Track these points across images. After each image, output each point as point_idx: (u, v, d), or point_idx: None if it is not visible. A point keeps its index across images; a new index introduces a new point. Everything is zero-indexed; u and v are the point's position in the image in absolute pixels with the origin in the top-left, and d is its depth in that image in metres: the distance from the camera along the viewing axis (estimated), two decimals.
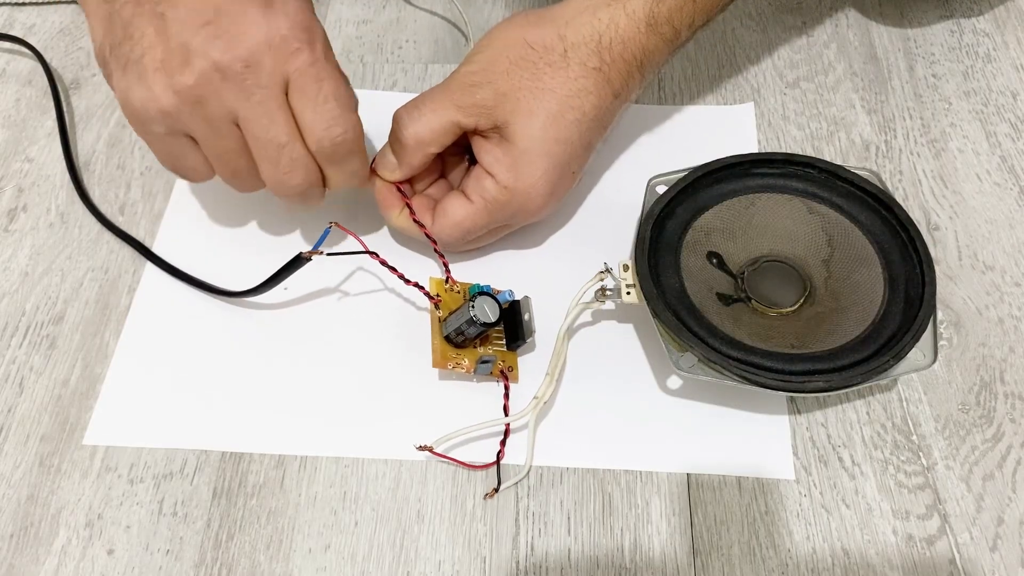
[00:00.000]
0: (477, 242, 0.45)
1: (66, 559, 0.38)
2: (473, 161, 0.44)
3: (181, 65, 0.36)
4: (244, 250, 0.47)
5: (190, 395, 0.42)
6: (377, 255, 0.41)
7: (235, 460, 0.41)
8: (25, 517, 0.39)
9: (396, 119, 0.43)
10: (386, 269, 0.42)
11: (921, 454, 0.40)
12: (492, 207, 0.42)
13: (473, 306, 0.40)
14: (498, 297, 0.41)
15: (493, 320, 0.40)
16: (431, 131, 0.42)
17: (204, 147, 0.39)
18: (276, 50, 0.37)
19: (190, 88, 0.36)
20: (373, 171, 0.44)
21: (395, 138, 0.43)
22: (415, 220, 0.44)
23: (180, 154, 0.40)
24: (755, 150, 0.51)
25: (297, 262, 0.41)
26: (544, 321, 0.42)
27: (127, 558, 0.38)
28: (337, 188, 0.42)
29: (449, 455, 0.40)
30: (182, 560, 0.38)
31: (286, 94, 0.38)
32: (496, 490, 0.39)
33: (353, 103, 0.40)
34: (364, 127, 0.40)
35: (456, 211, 0.43)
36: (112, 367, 0.43)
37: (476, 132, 0.42)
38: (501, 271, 0.45)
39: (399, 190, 0.44)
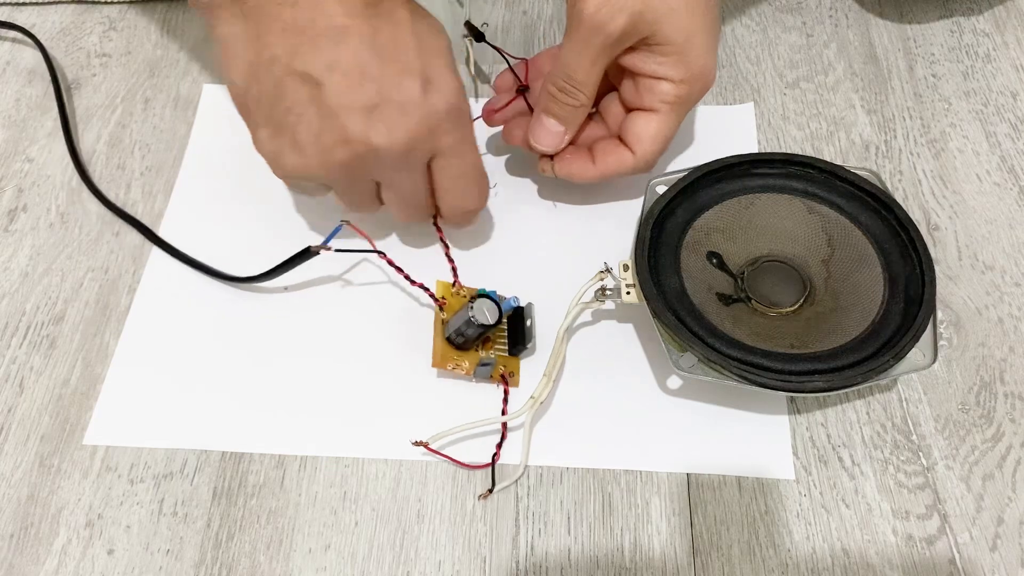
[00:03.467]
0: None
1: (66, 559, 0.38)
2: None
3: (340, 143, 0.37)
4: (245, 250, 0.47)
5: (190, 395, 0.42)
6: (385, 255, 0.42)
7: (235, 460, 0.41)
8: (25, 517, 0.39)
9: (554, 93, 0.43)
10: (392, 270, 0.42)
11: (921, 454, 0.40)
12: (678, 105, 0.42)
13: (472, 307, 0.40)
14: (503, 305, 0.41)
15: (491, 322, 0.40)
16: (593, 89, 0.42)
17: (338, 193, 0.41)
18: (431, 133, 0.38)
19: (344, 163, 0.37)
20: (547, 151, 0.45)
21: (560, 106, 0.43)
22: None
23: (313, 192, 0.42)
24: (755, 150, 0.51)
25: (305, 254, 0.41)
26: (544, 321, 0.43)
27: (127, 558, 0.38)
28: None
29: (445, 453, 0.40)
30: (182, 560, 0.38)
31: (429, 162, 0.40)
32: (491, 491, 0.39)
33: (484, 177, 0.42)
34: None
35: (649, 128, 0.43)
36: (112, 367, 0.43)
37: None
38: (501, 271, 0.45)
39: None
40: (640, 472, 0.40)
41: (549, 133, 0.44)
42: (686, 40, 0.41)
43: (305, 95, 0.36)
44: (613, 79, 0.45)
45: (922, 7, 0.59)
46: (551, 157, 0.45)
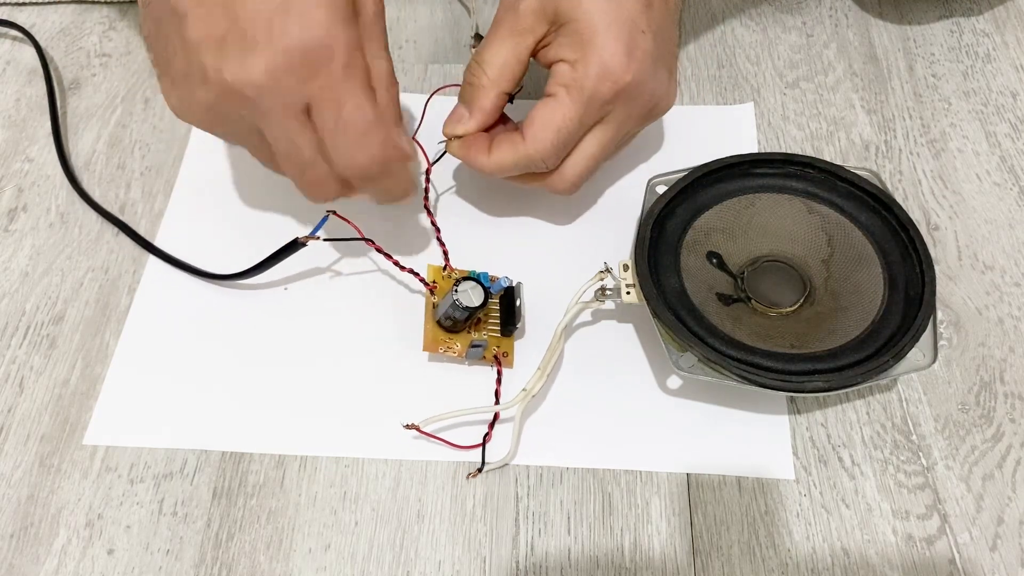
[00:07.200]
0: (591, 159, 0.43)
1: (66, 559, 0.38)
2: None
3: (200, 82, 0.35)
4: (246, 249, 0.47)
5: (190, 395, 0.42)
6: (373, 242, 0.42)
7: (235, 460, 0.41)
8: (25, 517, 0.39)
9: (466, 71, 0.42)
10: (383, 258, 0.42)
11: (921, 454, 0.40)
12: (574, 90, 0.40)
13: (457, 291, 0.40)
14: (493, 286, 0.41)
15: (476, 305, 0.40)
16: (498, 71, 0.41)
17: (238, 144, 0.39)
18: (291, 71, 0.34)
19: (211, 104, 0.36)
20: (447, 134, 0.43)
21: (465, 88, 0.42)
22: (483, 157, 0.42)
23: (241, 147, 0.40)
24: (755, 150, 0.51)
25: (293, 246, 0.41)
26: (544, 319, 0.43)
27: (127, 558, 0.38)
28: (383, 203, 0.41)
29: (437, 436, 0.40)
30: (182, 560, 0.38)
31: (309, 113, 0.36)
32: (480, 470, 0.40)
33: (378, 123, 0.36)
34: None
35: (544, 110, 0.40)
36: (112, 367, 0.43)
37: (539, 45, 0.41)
38: (501, 271, 0.45)
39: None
40: (640, 472, 0.40)
41: (454, 114, 0.43)
42: (584, 23, 0.39)
43: (175, 30, 0.35)
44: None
45: (922, 7, 0.59)
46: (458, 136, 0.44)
